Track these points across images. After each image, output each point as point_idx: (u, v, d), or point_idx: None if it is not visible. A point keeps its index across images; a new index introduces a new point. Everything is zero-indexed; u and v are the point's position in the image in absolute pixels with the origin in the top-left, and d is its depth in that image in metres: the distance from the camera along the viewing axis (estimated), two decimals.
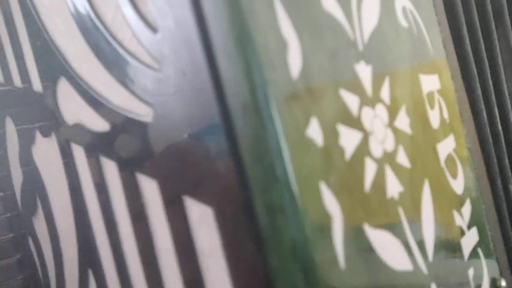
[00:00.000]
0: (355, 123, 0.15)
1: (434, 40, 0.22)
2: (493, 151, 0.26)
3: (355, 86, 0.15)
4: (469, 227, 0.21)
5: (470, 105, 0.25)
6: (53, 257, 0.27)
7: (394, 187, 0.16)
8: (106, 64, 0.17)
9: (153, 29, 0.14)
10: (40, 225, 0.29)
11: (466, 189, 0.21)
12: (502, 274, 0.23)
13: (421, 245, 0.17)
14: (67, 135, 0.22)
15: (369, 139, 0.15)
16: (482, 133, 0.25)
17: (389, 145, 0.16)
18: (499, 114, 0.27)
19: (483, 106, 0.26)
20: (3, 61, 0.27)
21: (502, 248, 0.24)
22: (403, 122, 0.17)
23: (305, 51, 0.13)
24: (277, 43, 0.12)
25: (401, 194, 0.16)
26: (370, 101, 0.16)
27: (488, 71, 0.26)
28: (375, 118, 0.16)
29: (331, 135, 0.14)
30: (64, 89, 0.21)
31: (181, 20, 0.13)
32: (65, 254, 0.26)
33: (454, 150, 0.21)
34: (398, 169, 0.16)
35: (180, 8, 0.13)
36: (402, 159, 0.17)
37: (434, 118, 0.20)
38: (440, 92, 0.21)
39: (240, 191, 0.12)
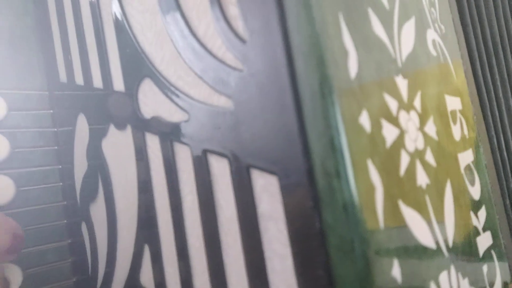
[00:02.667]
0: (394, 121, 0.18)
1: (457, 69, 0.26)
2: (502, 174, 0.29)
3: (395, 93, 0.19)
4: (483, 229, 0.24)
5: (486, 129, 0.29)
6: (107, 238, 0.31)
7: (422, 179, 0.19)
8: (192, 66, 0.22)
9: (242, 40, 0.18)
10: (97, 210, 0.32)
11: (482, 197, 0.24)
12: None
13: (443, 231, 0.20)
14: (143, 127, 0.26)
15: (404, 136, 0.19)
16: (494, 157, 0.29)
17: (420, 145, 0.20)
18: (504, 141, 0.30)
19: (493, 133, 0.30)
20: (85, 66, 0.32)
21: None
22: (431, 129, 0.21)
23: (360, 60, 0.17)
24: (340, 50, 0.16)
25: (427, 185, 0.20)
26: (405, 106, 0.19)
27: (495, 103, 0.30)
28: (409, 121, 0.19)
29: (376, 126, 0.17)
30: (147, 88, 0.25)
31: (268, 32, 0.17)
32: (120, 234, 0.30)
33: (472, 163, 0.25)
34: (426, 165, 0.20)
35: (267, 22, 0.17)
36: (430, 158, 0.20)
37: (456, 132, 0.24)
38: (462, 112, 0.25)
39: (304, 160, 0.16)
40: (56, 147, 0.37)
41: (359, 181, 0.16)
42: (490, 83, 0.31)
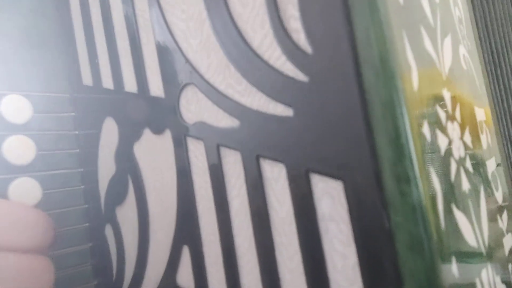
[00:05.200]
0: (444, 130, 0.20)
1: (480, 84, 0.28)
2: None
3: (443, 105, 0.21)
4: (507, 231, 0.26)
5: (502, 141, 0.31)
6: (138, 240, 0.31)
7: (465, 184, 0.21)
8: (245, 75, 0.23)
9: (304, 52, 0.20)
10: (125, 213, 0.33)
11: (504, 201, 0.26)
12: None
13: (481, 232, 0.22)
14: (184, 132, 0.27)
15: (452, 145, 0.20)
16: (507, 165, 0.31)
17: (462, 153, 0.21)
18: None
19: (504, 142, 0.32)
20: (116, 70, 0.32)
21: None
22: (468, 138, 0.23)
23: (419, 73, 0.19)
24: (405, 64, 0.18)
25: (469, 190, 0.21)
26: (450, 117, 0.21)
27: (503, 115, 0.32)
28: (453, 131, 0.21)
29: (433, 135, 0.19)
30: (190, 94, 0.26)
31: (336, 46, 0.18)
32: (154, 236, 0.30)
33: (496, 170, 0.26)
34: (467, 172, 0.22)
35: (335, 37, 0.18)
36: (469, 165, 0.22)
37: (484, 141, 0.25)
38: (486, 123, 0.27)
39: (373, 166, 0.17)
40: (77, 150, 0.37)
41: (425, 185, 0.17)
42: (499, 95, 0.34)
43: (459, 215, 0.19)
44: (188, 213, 0.27)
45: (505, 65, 0.35)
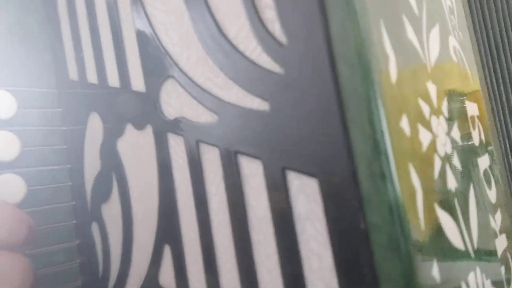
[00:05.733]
0: (427, 125, 0.19)
1: (474, 77, 0.27)
2: (509, 177, 0.30)
3: (427, 98, 0.20)
4: (500, 232, 0.25)
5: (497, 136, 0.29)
6: (122, 238, 0.31)
7: (452, 182, 0.20)
8: (223, 67, 0.22)
9: (279, 43, 0.19)
10: (110, 210, 0.32)
11: (497, 200, 0.25)
12: None
13: (469, 233, 0.20)
14: (165, 127, 0.26)
15: (436, 140, 0.19)
16: (505, 161, 0.30)
17: (448, 149, 0.20)
18: (510, 146, 0.31)
19: (501, 138, 0.31)
20: (100, 65, 0.32)
21: None
22: (456, 134, 0.22)
23: (398, 65, 0.18)
24: (382, 55, 0.17)
25: (456, 188, 0.20)
26: (436, 112, 0.20)
27: (500, 108, 0.31)
28: (439, 126, 0.20)
29: (414, 130, 0.18)
30: (170, 88, 0.25)
31: (310, 37, 0.17)
32: (137, 234, 0.29)
33: (489, 167, 0.25)
34: (454, 169, 0.20)
35: (310, 27, 0.17)
36: (456, 162, 0.21)
37: (475, 137, 0.24)
38: (479, 118, 0.26)
39: (348, 163, 0.16)
40: (65, 146, 0.36)
41: (402, 183, 0.16)
42: (496, 89, 0.33)
43: (442, 215, 0.18)
44: (169, 211, 0.26)
45: (504, 58, 0.34)
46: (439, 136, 0.20)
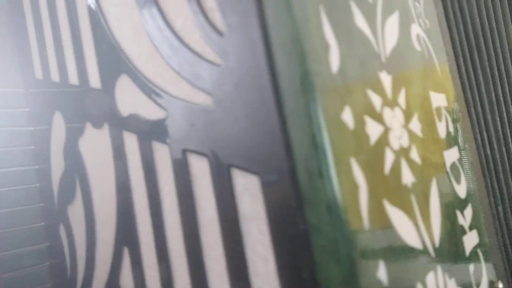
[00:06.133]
0: (378, 117, 0.18)
1: (442, 66, 0.26)
2: (486, 172, 0.29)
3: (379, 89, 0.18)
4: (470, 228, 0.23)
5: (471, 126, 0.28)
6: (86, 241, 0.30)
7: (408, 177, 0.19)
8: (170, 61, 0.21)
9: (220, 32, 0.18)
10: (75, 212, 0.31)
11: (467, 195, 0.24)
12: (498, 279, 0.25)
13: (429, 231, 0.19)
14: (120, 125, 0.25)
15: (389, 133, 0.18)
16: (479, 155, 0.28)
17: (405, 142, 0.19)
18: (488, 139, 0.30)
19: (477, 130, 0.29)
20: (61, 62, 0.31)
21: (499, 256, 0.27)
22: (416, 126, 0.21)
23: (342, 54, 0.17)
24: (321, 44, 0.16)
25: (413, 184, 0.19)
26: (390, 103, 0.19)
27: (477, 98, 0.30)
28: (393, 118, 0.19)
29: (359, 123, 0.17)
30: (124, 84, 0.24)
31: (246, 25, 0.16)
32: (99, 236, 0.28)
33: (458, 160, 0.24)
34: (411, 163, 0.19)
35: (246, 15, 0.16)
36: (415, 156, 0.20)
37: (441, 129, 0.23)
38: (447, 109, 0.25)
39: (285, 159, 0.15)
40: (32, 147, 0.35)
41: (342, 180, 0.15)
42: (473, 79, 0.31)
43: (394, 212, 0.17)
44: (127, 213, 0.25)
45: (484, 46, 0.33)
46: (393, 128, 0.19)
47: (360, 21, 0.18)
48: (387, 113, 0.18)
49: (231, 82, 0.17)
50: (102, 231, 0.28)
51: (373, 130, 0.17)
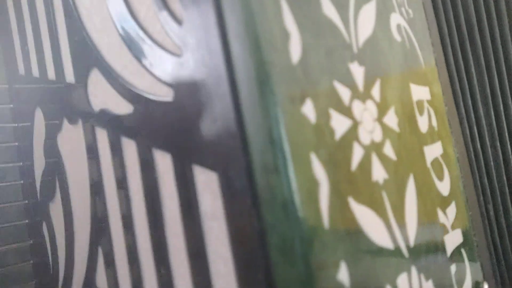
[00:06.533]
0: (346, 111, 0.17)
1: (427, 57, 0.24)
2: (475, 168, 0.28)
3: (348, 81, 0.17)
4: (453, 227, 0.22)
5: (459, 120, 0.27)
6: (65, 239, 0.29)
7: (379, 173, 0.18)
8: (136, 54, 0.20)
9: (179, 21, 0.17)
10: (55, 210, 0.31)
11: (452, 192, 0.23)
12: (485, 279, 0.24)
13: (403, 230, 0.18)
14: (93, 121, 0.24)
15: (358, 128, 0.17)
16: (466, 150, 0.27)
17: (377, 137, 0.18)
18: (478, 133, 0.29)
19: (466, 125, 0.28)
20: (40, 57, 0.30)
21: (487, 256, 0.26)
22: (391, 120, 0.20)
23: (305, 44, 0.16)
24: (280, 32, 0.15)
25: (385, 180, 0.18)
26: (361, 96, 0.18)
27: (467, 91, 0.29)
28: (364, 111, 0.18)
29: (323, 116, 0.16)
30: (95, 78, 0.24)
31: (203, 13, 0.15)
32: (77, 235, 0.28)
33: (441, 156, 0.23)
34: (384, 159, 0.18)
35: (202, 2, 0.16)
36: (389, 151, 0.19)
37: (423, 123, 0.22)
38: (430, 102, 0.23)
39: (242, 155, 0.15)
40: (16, 144, 0.35)
41: (300, 176, 0.14)
42: (463, 71, 0.30)
43: (361, 210, 0.16)
44: (100, 212, 0.25)
45: (478, 37, 0.31)
46: (364, 122, 0.18)
47: (329, 9, 0.17)
48: (357, 106, 0.18)
49: (190, 74, 0.16)
50: (79, 230, 0.28)
51: (339, 124, 0.16)
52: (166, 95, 0.18)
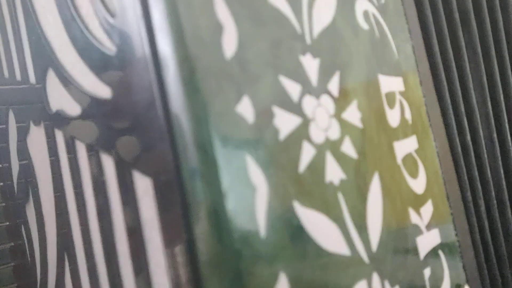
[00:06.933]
0: (294, 108, 0.16)
1: (401, 45, 0.23)
2: (462, 162, 0.26)
3: (297, 75, 0.16)
4: (428, 227, 0.21)
5: (441, 113, 0.25)
6: (39, 242, 0.29)
7: (334, 173, 0.17)
8: (80, 52, 0.19)
9: (112, 14, 0.16)
10: (31, 213, 0.30)
11: (428, 190, 0.22)
12: (468, 282, 0.23)
13: (363, 233, 0.17)
14: (52, 122, 0.23)
15: (309, 125, 0.16)
16: (452, 143, 0.25)
17: (333, 134, 0.17)
18: (468, 125, 0.27)
19: (452, 116, 0.26)
20: (8, 57, 0.29)
21: (471, 256, 0.24)
22: (353, 115, 0.18)
23: (243, 36, 0.15)
24: (210, 25, 0.14)
25: (342, 181, 0.17)
26: (314, 91, 0.17)
27: (457, 80, 0.27)
28: (318, 107, 0.17)
29: (264, 115, 0.14)
30: (51, 80, 0.23)
31: (131, 4, 0.14)
32: (48, 239, 0.27)
33: (416, 151, 0.22)
34: (341, 158, 0.17)
35: None
36: (348, 149, 0.17)
37: (393, 117, 0.21)
38: (404, 94, 0.22)
39: (171, 159, 0.13)
40: None
41: (232, 182, 0.13)
42: (452, 59, 0.28)
43: (308, 215, 0.15)
44: (62, 216, 0.24)
45: (474, 24, 0.29)
46: (317, 119, 0.16)
47: None
48: (308, 102, 0.16)
49: (123, 72, 0.15)
50: (50, 234, 0.27)
51: (285, 122, 0.15)
52: (105, 94, 0.17)
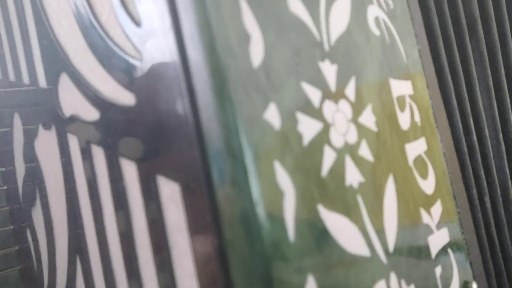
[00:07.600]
0: (315, 113, 0.16)
1: (409, 50, 0.23)
2: (468, 162, 0.27)
3: (318, 81, 0.17)
4: (438, 227, 0.22)
5: (447, 115, 0.26)
6: (47, 246, 0.29)
7: (353, 177, 0.17)
8: (100, 58, 0.19)
9: (137, 23, 0.16)
10: (37, 216, 0.30)
11: (437, 190, 0.22)
12: (475, 278, 0.24)
13: (381, 235, 0.18)
14: (65, 127, 0.23)
15: (329, 130, 0.16)
16: (458, 143, 0.26)
17: (352, 138, 0.17)
18: (474, 125, 0.28)
19: (458, 117, 0.27)
20: (15, 60, 0.29)
21: (477, 253, 0.25)
22: (368, 119, 0.19)
23: (268, 45, 0.15)
24: (239, 34, 0.14)
25: (361, 184, 0.17)
26: (333, 96, 0.17)
27: (463, 83, 0.28)
28: (337, 112, 0.17)
29: (289, 121, 0.15)
30: (65, 84, 0.23)
31: (159, 15, 0.15)
32: (57, 242, 0.27)
33: (425, 153, 0.22)
34: (359, 161, 0.18)
35: (159, 5, 0.15)
36: (365, 152, 0.18)
37: (404, 120, 0.21)
38: (413, 97, 0.22)
39: (201, 167, 0.14)
40: None
41: (262, 188, 0.13)
42: (459, 63, 0.29)
43: (332, 218, 0.15)
44: (75, 220, 0.24)
45: (480, 28, 0.30)
46: (336, 124, 0.17)
47: (296, 6, 0.16)
48: (328, 108, 0.17)
49: (149, 80, 0.16)
50: (59, 237, 0.27)
51: (308, 127, 0.15)
52: (128, 101, 0.17)
